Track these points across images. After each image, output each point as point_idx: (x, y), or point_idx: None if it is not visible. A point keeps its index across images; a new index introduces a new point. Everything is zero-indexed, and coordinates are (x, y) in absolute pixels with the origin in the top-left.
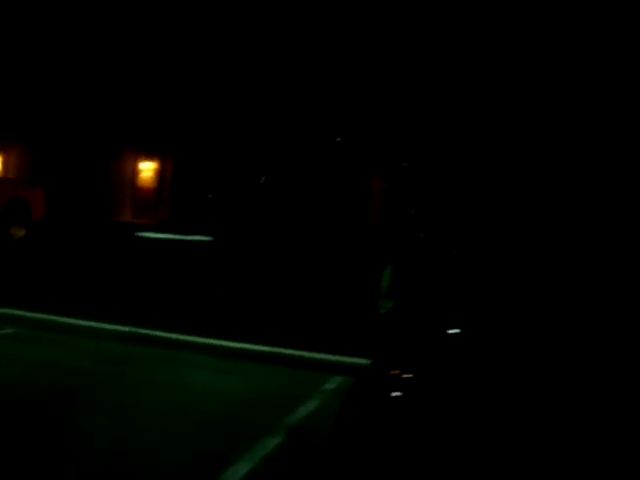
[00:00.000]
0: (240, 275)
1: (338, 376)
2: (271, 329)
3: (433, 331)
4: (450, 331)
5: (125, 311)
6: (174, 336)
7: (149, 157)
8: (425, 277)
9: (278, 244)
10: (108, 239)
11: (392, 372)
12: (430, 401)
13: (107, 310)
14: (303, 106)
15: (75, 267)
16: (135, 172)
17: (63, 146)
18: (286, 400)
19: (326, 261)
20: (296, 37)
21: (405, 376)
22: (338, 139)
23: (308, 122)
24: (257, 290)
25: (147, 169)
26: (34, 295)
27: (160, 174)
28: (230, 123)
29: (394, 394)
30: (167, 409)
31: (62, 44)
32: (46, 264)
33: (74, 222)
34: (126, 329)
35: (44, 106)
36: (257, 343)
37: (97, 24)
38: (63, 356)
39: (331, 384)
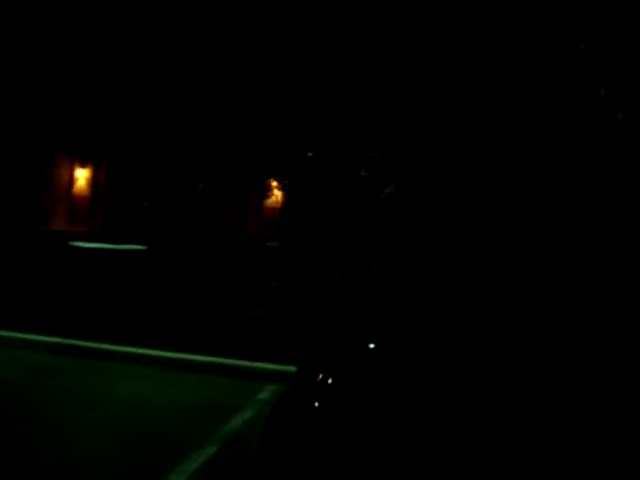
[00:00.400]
0: (175, 284)
1: (273, 384)
2: (206, 338)
3: (355, 340)
4: (370, 345)
5: (57, 322)
6: (107, 347)
7: (83, 164)
8: (348, 287)
9: (214, 252)
10: (40, 248)
11: (316, 379)
12: (351, 409)
13: (38, 321)
14: (247, 110)
15: (5, 277)
16: (70, 180)
17: None
18: (221, 410)
19: (262, 269)
20: (235, 44)
21: (328, 382)
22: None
23: (257, 128)
24: (192, 299)
25: (82, 177)
26: None
27: (94, 182)
28: (164, 129)
29: (317, 402)
30: (97, 422)
31: None
32: None
33: (6, 232)
34: (58, 340)
35: None
36: (192, 352)
37: (26, 25)
38: None
39: (265, 393)
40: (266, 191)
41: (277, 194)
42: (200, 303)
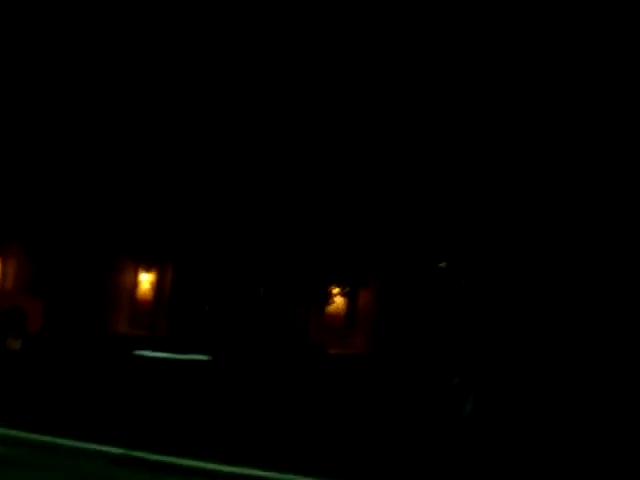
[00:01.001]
0: (240, 395)
1: None
2: (274, 452)
3: None
4: None
5: (122, 432)
6: (172, 460)
7: (147, 268)
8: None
9: (276, 360)
10: (105, 356)
11: None
12: None
13: (104, 431)
14: (310, 220)
15: (71, 385)
16: (133, 283)
17: (62, 255)
18: None
19: (325, 376)
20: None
21: None
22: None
23: (318, 236)
24: (258, 410)
25: (145, 280)
26: (28, 413)
27: (158, 285)
28: (229, 235)
29: None
30: None
31: (58, 144)
32: (41, 380)
33: (71, 334)
34: (122, 451)
35: (43, 214)
36: (261, 468)
37: (88, 122)
38: None
39: None
40: (327, 298)
41: (338, 301)
42: (266, 415)
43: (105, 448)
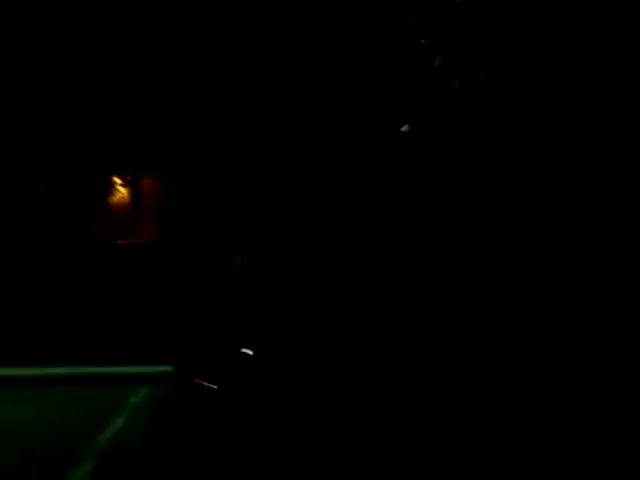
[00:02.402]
0: (22, 296)
1: (143, 387)
2: (66, 348)
3: (230, 344)
4: (245, 349)
5: None
6: None
7: None
8: (216, 286)
9: (61, 257)
10: None
11: (196, 382)
12: (233, 412)
13: None
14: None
15: None
16: None
17: None
18: (92, 421)
19: (113, 268)
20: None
21: (208, 386)
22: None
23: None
24: (44, 309)
25: None
26: None
27: None
28: None
29: (198, 404)
30: None
31: None
32: None
33: None
34: None
35: None
36: (53, 365)
37: None
38: None
39: (137, 397)
40: (110, 188)
41: (122, 191)
42: (55, 312)
43: None
